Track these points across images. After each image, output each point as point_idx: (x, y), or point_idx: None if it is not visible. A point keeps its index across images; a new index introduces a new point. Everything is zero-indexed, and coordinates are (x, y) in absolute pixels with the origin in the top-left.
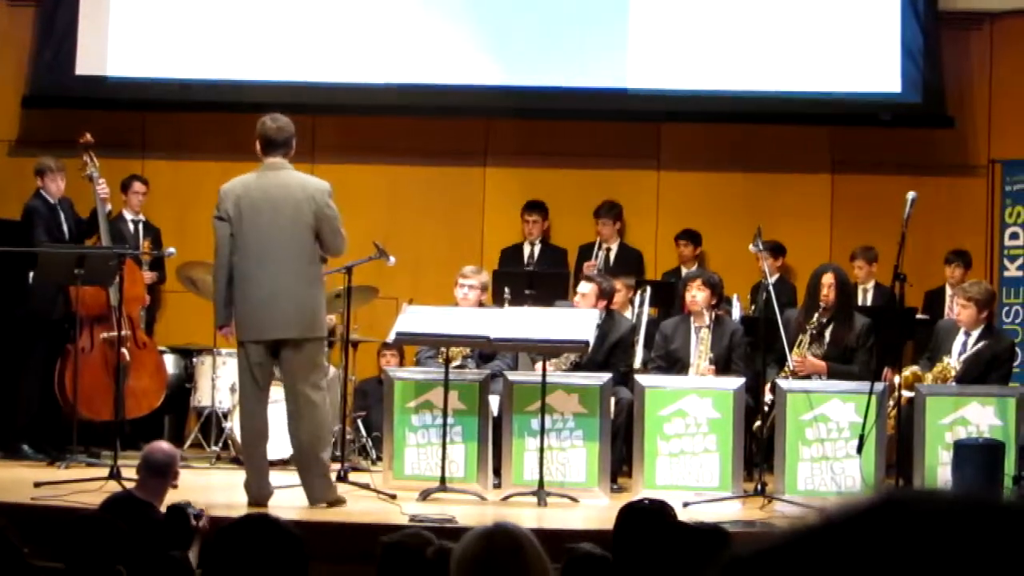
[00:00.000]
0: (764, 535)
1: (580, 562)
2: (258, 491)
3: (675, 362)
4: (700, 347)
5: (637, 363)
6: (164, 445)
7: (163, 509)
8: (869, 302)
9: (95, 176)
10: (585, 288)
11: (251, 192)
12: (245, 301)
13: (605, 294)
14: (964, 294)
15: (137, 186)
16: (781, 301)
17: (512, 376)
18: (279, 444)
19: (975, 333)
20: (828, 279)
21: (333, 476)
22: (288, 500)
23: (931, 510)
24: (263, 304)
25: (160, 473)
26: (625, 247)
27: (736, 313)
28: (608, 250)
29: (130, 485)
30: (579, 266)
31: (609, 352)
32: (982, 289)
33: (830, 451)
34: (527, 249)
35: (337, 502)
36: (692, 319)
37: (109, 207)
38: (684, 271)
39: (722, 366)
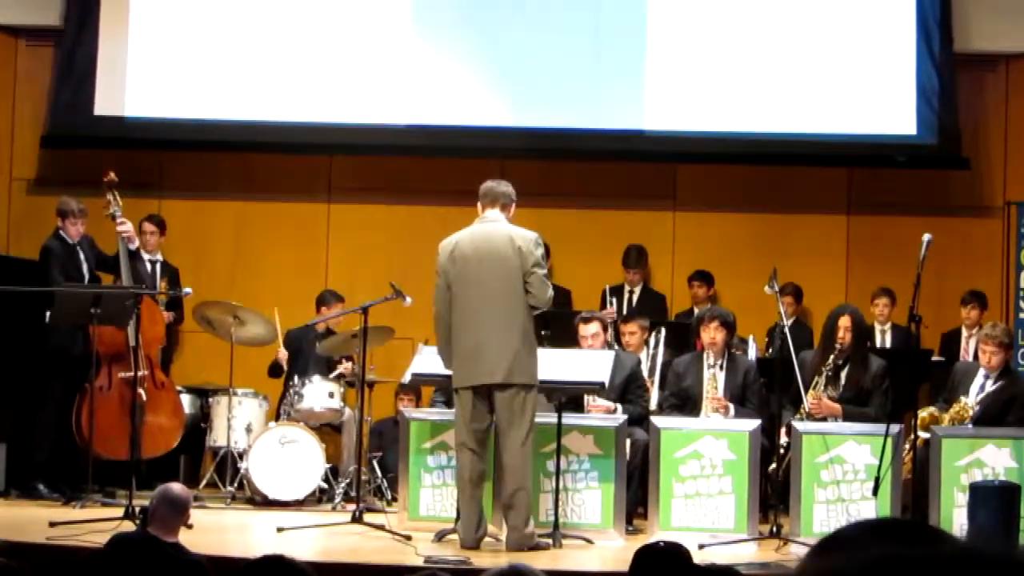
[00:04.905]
0: None
1: None
2: (465, 535)
3: (688, 400)
4: (708, 386)
5: (652, 404)
6: (178, 484)
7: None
8: (888, 343)
9: (118, 215)
10: (593, 329)
11: (462, 245)
12: (456, 351)
13: (606, 328)
14: (994, 340)
15: (146, 226)
16: (797, 344)
17: None
18: (291, 485)
19: (993, 375)
20: (845, 322)
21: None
22: (302, 541)
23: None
24: (471, 353)
25: (180, 509)
26: (649, 291)
27: (752, 354)
28: (631, 292)
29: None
30: (611, 308)
31: (624, 388)
32: (1005, 330)
33: (846, 493)
34: None
35: (535, 547)
36: (704, 356)
37: (136, 243)
38: (697, 312)
39: (736, 404)
